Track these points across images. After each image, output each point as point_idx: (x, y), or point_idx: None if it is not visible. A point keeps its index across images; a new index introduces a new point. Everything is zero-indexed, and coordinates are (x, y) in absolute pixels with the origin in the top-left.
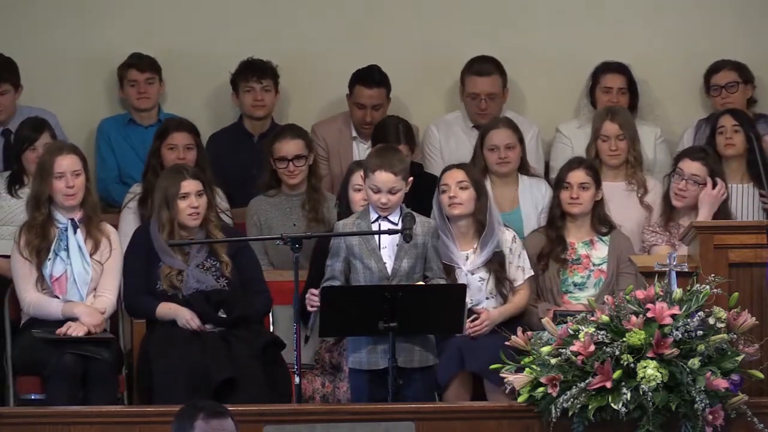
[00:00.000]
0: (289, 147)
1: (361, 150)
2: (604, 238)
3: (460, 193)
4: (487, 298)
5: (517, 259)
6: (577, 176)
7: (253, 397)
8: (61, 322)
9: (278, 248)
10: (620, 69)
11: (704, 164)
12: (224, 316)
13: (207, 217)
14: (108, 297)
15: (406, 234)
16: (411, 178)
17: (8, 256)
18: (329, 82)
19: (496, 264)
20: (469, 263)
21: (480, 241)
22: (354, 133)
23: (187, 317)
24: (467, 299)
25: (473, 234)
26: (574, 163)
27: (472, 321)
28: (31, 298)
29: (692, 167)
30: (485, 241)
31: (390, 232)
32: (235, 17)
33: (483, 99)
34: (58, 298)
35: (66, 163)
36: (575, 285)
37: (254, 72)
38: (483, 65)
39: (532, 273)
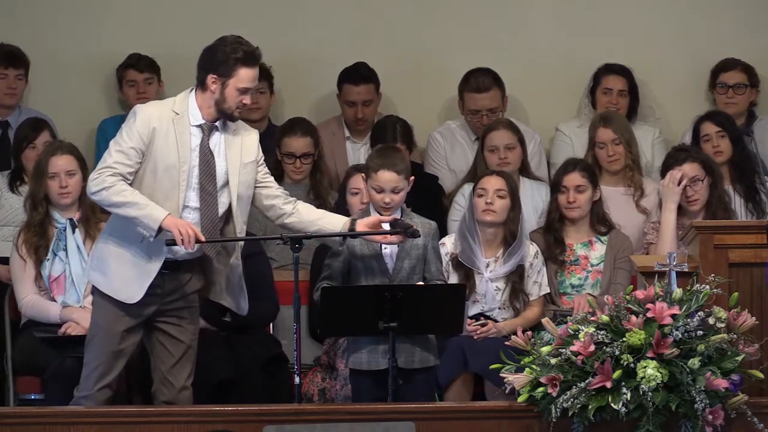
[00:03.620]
0: (298, 144)
1: (355, 150)
2: (602, 238)
3: (497, 201)
4: (499, 308)
5: (536, 275)
6: (573, 179)
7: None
8: (60, 324)
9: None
10: (621, 71)
11: (692, 161)
12: (228, 320)
13: None
14: None
15: (414, 230)
16: (413, 177)
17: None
18: (324, 83)
19: (516, 276)
20: (489, 271)
21: (507, 251)
22: (347, 133)
23: None
24: (481, 306)
25: (499, 242)
26: (569, 166)
27: (480, 324)
28: (29, 300)
29: (686, 170)
30: (512, 252)
31: (392, 232)
32: (233, 18)
33: (484, 114)
34: (55, 300)
35: (60, 163)
36: (572, 287)
37: None
38: (480, 81)
39: (548, 290)
